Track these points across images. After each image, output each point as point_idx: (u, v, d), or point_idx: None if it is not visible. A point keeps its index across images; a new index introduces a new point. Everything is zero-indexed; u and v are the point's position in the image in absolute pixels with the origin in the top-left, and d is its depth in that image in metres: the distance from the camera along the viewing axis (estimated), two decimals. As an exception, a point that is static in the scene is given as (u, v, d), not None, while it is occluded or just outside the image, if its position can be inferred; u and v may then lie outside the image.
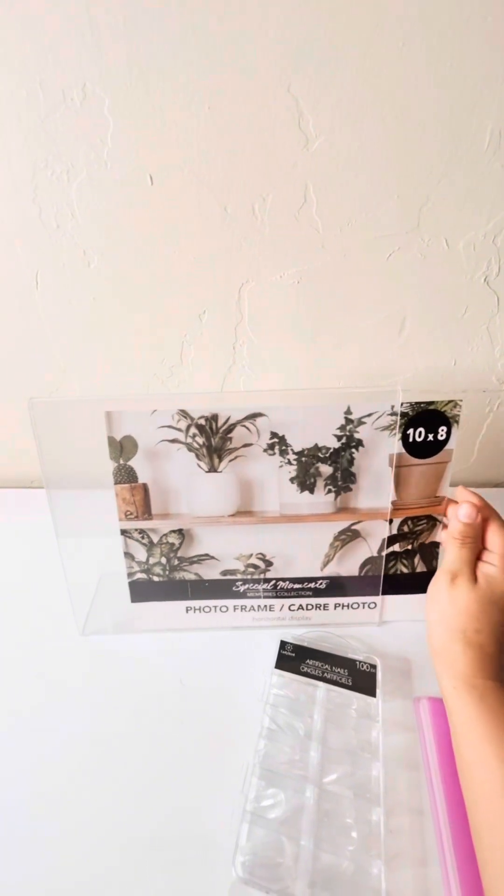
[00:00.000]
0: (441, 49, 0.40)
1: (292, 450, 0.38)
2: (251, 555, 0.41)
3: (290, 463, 0.38)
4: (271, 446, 0.38)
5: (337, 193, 0.46)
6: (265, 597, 0.42)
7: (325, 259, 0.49)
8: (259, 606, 0.43)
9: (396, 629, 0.43)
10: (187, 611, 0.43)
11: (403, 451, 0.38)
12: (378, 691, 0.37)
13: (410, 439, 0.38)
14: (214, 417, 0.36)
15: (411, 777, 0.33)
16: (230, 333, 0.54)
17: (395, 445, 0.38)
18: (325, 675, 0.38)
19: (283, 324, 0.53)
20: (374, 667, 0.39)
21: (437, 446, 0.38)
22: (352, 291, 0.51)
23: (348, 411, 0.37)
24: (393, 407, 0.37)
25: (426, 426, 0.37)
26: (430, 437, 0.37)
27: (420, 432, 0.37)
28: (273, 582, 0.42)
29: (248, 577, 0.42)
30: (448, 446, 0.38)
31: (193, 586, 0.42)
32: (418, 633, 0.39)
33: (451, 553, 0.36)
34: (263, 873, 0.28)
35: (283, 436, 0.37)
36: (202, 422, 0.37)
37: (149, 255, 0.49)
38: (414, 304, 0.51)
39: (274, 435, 0.37)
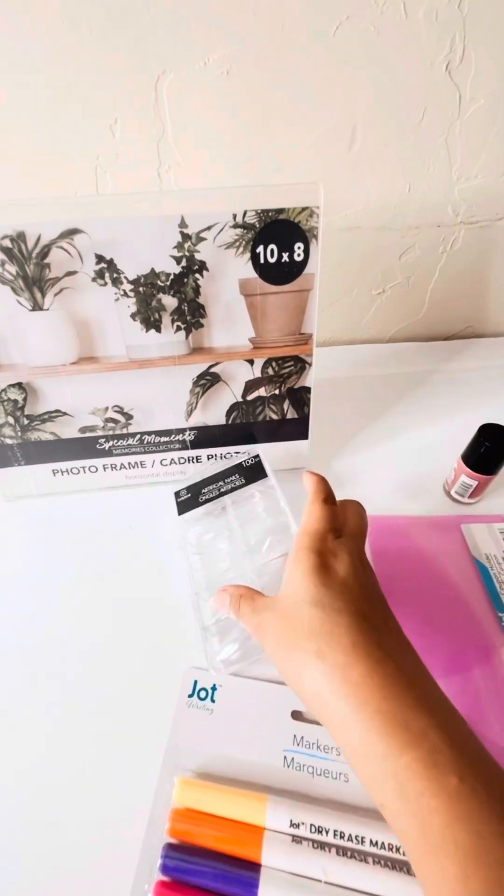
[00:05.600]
0: None
1: (126, 278, 0.31)
2: (107, 408, 0.37)
3: (126, 295, 0.32)
4: (100, 273, 0.31)
5: None
6: (132, 453, 0.39)
7: (258, 36, 0.39)
8: (130, 464, 0.40)
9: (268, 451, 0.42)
10: (54, 473, 0.40)
11: (255, 275, 0.32)
12: (269, 471, 0.38)
13: (262, 260, 0.32)
14: (21, 237, 0.29)
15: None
16: (152, 154, 0.45)
17: (244, 268, 0.32)
18: (221, 489, 0.38)
19: (214, 141, 0.44)
20: (256, 456, 0.39)
21: (294, 269, 0.32)
22: (292, 86, 0.42)
23: (182, 223, 0.30)
24: (235, 217, 0.30)
25: (278, 243, 0.31)
26: (285, 256, 0.32)
27: (272, 250, 0.31)
28: (138, 436, 0.38)
29: (110, 433, 0.38)
30: (308, 269, 0.32)
31: (53, 447, 0.38)
32: (287, 449, 0.42)
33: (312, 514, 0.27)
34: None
35: (111, 259, 0.31)
36: (7, 243, 0.29)
37: (49, 50, 0.38)
38: (365, 107, 0.44)
39: (100, 259, 0.30)
